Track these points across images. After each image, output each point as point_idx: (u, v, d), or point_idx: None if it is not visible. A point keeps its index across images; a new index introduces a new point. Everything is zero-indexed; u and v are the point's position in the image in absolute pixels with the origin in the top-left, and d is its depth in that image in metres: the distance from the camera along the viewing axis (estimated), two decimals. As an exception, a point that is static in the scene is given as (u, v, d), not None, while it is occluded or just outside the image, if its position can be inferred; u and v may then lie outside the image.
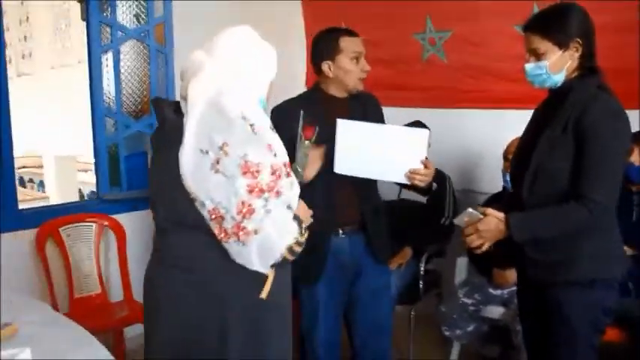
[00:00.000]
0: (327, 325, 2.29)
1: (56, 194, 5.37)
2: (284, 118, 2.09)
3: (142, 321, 2.69)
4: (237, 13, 3.57)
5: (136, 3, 3.24)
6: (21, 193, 6.24)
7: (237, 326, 1.56)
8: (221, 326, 1.55)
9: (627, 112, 2.57)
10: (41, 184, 6.30)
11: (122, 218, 3.08)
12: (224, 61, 1.54)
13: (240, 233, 1.44)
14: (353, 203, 2.22)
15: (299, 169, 1.93)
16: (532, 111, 1.99)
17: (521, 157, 1.91)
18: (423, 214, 3.01)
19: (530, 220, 1.79)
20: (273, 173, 1.45)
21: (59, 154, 5.51)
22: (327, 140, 2.05)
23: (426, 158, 2.04)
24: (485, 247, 1.83)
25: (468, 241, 1.83)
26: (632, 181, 2.61)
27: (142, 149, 3.31)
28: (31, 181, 6.67)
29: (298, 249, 1.52)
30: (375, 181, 2.37)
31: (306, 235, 1.56)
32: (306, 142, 1.93)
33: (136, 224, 3.18)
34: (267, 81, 1.61)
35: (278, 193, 1.46)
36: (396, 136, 2.09)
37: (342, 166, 2.08)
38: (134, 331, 2.94)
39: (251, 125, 1.45)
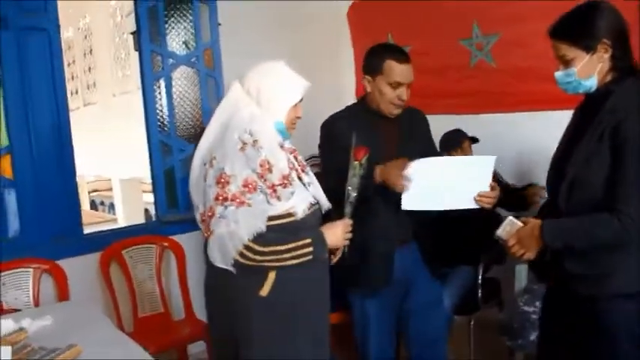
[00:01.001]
0: (379, 339, 2.30)
1: (123, 216, 5.61)
2: (334, 135, 2.18)
3: (204, 337, 2.82)
4: (284, 34, 3.68)
5: (185, 30, 3.35)
6: (93, 215, 6.60)
7: (240, 320, 1.76)
8: (230, 319, 1.79)
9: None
10: (112, 207, 6.61)
11: (181, 238, 3.18)
12: (248, 89, 1.77)
13: (208, 232, 1.70)
14: (403, 217, 2.20)
15: (350, 192, 1.93)
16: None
17: (557, 166, 1.83)
18: (477, 224, 2.95)
19: (561, 226, 1.73)
20: (245, 186, 1.66)
21: (125, 177, 5.75)
22: (370, 155, 2.04)
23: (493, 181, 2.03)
24: (528, 256, 1.77)
25: (513, 252, 1.79)
26: None
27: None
28: (102, 203, 7.01)
29: (254, 256, 1.66)
30: None
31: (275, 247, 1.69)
32: (356, 163, 1.92)
33: (195, 243, 3.27)
34: (286, 107, 1.78)
35: (242, 203, 1.65)
36: (463, 165, 2.09)
37: (410, 203, 2.04)
38: (197, 348, 3.04)
39: (243, 143, 1.68)
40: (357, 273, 2.18)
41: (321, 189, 1.91)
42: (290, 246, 1.70)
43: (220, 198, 1.64)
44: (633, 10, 2.60)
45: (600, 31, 1.68)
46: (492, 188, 2.03)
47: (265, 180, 1.69)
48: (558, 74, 1.76)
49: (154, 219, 4.44)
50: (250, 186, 1.66)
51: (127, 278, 2.96)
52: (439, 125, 2.33)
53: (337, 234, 1.82)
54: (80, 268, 2.88)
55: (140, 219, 5.13)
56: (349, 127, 2.07)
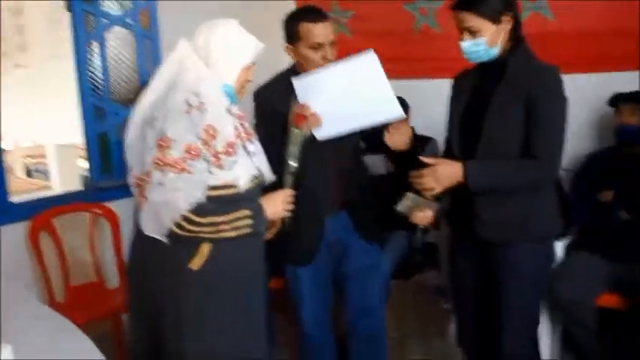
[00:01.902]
0: (313, 305, 2.29)
1: (59, 183, 5.41)
2: (269, 102, 2.12)
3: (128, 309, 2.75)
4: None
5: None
6: (27, 183, 6.33)
7: (168, 294, 1.68)
8: (155, 294, 1.70)
9: (627, 73, 2.63)
10: (48, 174, 6.36)
11: (116, 205, 3.06)
12: (197, 47, 1.67)
13: (142, 199, 1.60)
14: (338, 182, 2.20)
15: (290, 161, 1.88)
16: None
17: (466, 128, 1.94)
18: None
19: (488, 169, 1.85)
20: (187, 152, 1.55)
21: (60, 142, 5.54)
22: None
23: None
24: (436, 192, 1.87)
25: (422, 184, 1.87)
26: (624, 141, 2.58)
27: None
28: (38, 171, 6.74)
29: (191, 227, 1.57)
30: (360, 156, 2.34)
31: (248, 221, 1.65)
32: (297, 130, 1.87)
33: (131, 211, 3.17)
34: (237, 68, 1.69)
35: (182, 171, 1.55)
36: (347, 73, 1.97)
37: (321, 131, 1.98)
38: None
39: (189, 105, 1.57)
40: (287, 241, 2.15)
41: (265, 159, 1.83)
42: (228, 217, 1.63)
43: (160, 163, 1.54)
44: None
45: (503, 3, 1.85)
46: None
47: (209, 147, 1.59)
48: (466, 44, 1.87)
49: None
50: (193, 152, 1.56)
51: (57, 247, 2.84)
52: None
53: (277, 205, 1.78)
54: (8, 238, 2.73)
55: (76, 185, 4.95)
56: (285, 93, 2.03)
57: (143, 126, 1.63)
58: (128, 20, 3.20)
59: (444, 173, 1.84)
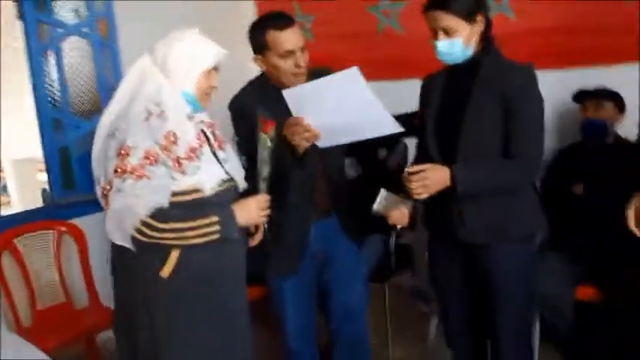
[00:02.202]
0: (298, 316, 2.24)
1: (18, 199, 5.21)
2: (241, 111, 2.05)
3: (112, 326, 2.67)
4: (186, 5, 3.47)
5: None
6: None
7: (140, 303, 1.67)
8: (130, 303, 1.71)
9: (627, 65, 2.68)
10: (5, 189, 6.13)
11: (81, 221, 2.96)
12: (155, 57, 1.68)
13: (105, 206, 1.62)
14: (324, 188, 2.15)
15: (261, 167, 1.83)
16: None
17: (442, 132, 1.93)
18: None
19: (474, 172, 1.84)
20: (145, 158, 1.57)
21: (17, 157, 5.34)
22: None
23: None
24: (424, 197, 1.85)
25: (411, 189, 1.84)
26: (589, 136, 2.62)
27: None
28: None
29: (153, 233, 1.57)
30: (342, 160, 2.31)
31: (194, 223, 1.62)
32: (264, 136, 1.82)
33: (97, 226, 3.07)
34: (194, 75, 1.68)
35: (141, 177, 1.56)
36: (333, 87, 1.85)
37: (322, 141, 1.90)
38: (106, 336, 2.87)
39: (149, 113, 1.60)
40: (271, 251, 2.10)
41: (240, 167, 1.83)
42: (195, 223, 1.61)
43: (119, 170, 1.56)
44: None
45: (476, 3, 1.84)
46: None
47: (170, 152, 1.60)
48: (443, 44, 1.84)
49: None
50: (152, 158, 1.57)
51: (21, 269, 2.73)
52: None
53: (250, 211, 1.74)
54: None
55: (37, 201, 4.79)
56: (255, 100, 1.97)
57: (106, 138, 1.64)
58: (85, 29, 3.10)
59: (432, 179, 1.82)
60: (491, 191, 1.86)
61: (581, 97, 2.67)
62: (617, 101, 2.62)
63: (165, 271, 1.64)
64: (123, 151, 1.56)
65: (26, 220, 2.91)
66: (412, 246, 3.13)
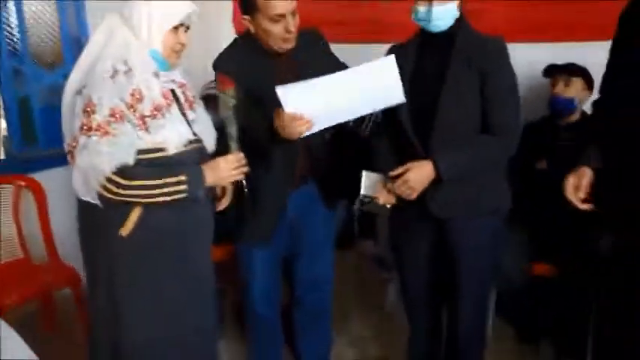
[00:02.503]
0: (265, 282, 2.24)
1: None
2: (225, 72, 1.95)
3: (71, 283, 2.64)
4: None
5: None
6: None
7: (102, 259, 1.71)
8: (92, 256, 1.76)
9: (597, 42, 2.46)
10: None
11: (42, 176, 2.89)
12: (123, 14, 1.68)
13: (72, 162, 1.63)
14: (305, 155, 2.11)
15: (227, 125, 1.82)
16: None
17: (416, 107, 1.88)
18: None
19: (457, 158, 1.83)
20: (111, 115, 1.57)
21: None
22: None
23: None
24: (414, 196, 1.85)
25: (405, 196, 1.85)
26: (558, 112, 2.64)
27: (58, 102, 3.10)
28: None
29: (118, 190, 1.59)
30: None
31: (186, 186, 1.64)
32: (223, 95, 1.81)
33: (59, 181, 3.01)
34: (160, 33, 1.67)
35: (106, 134, 1.57)
36: (359, 77, 1.82)
37: (313, 128, 1.85)
38: (65, 293, 2.84)
39: (115, 71, 1.60)
40: (244, 223, 2.08)
41: (210, 128, 1.83)
42: (160, 182, 1.62)
43: (85, 127, 1.57)
44: None
45: None
46: None
47: (135, 110, 1.61)
48: (438, 9, 1.80)
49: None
50: (117, 115, 1.58)
51: (-22, 223, 2.67)
52: (338, 55, 2.17)
53: (219, 170, 1.73)
54: None
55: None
56: (240, 61, 1.96)
57: (74, 95, 1.65)
58: None
59: (416, 179, 1.82)
60: (476, 172, 1.86)
61: (552, 71, 2.67)
62: (587, 78, 2.63)
63: (125, 229, 1.65)
64: (88, 108, 1.57)
65: (-16, 172, 2.82)
66: (375, 214, 3.15)
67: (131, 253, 1.69)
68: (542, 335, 2.57)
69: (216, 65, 2.03)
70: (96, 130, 1.56)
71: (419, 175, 1.82)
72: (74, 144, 1.60)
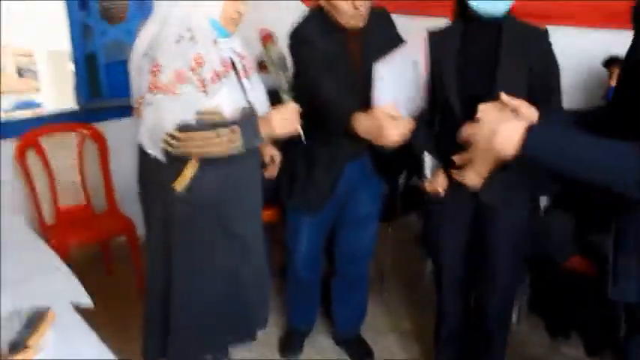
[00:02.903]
0: (310, 249, 2.34)
1: (49, 88, 5.29)
2: (304, 45, 2.03)
3: (127, 232, 2.82)
4: None
5: None
6: (18, 82, 6.20)
7: (158, 212, 1.81)
8: (150, 207, 1.86)
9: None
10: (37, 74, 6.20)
11: (105, 126, 3.06)
12: None
13: (138, 116, 1.74)
14: None
15: (281, 84, 1.86)
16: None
17: (467, 99, 1.83)
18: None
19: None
20: (176, 77, 1.66)
21: (50, 48, 5.36)
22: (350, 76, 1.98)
23: None
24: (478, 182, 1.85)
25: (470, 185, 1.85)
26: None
27: (123, 57, 3.22)
28: (30, 70, 6.58)
29: (177, 143, 1.67)
30: None
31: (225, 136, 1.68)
32: (266, 48, 1.89)
33: (120, 133, 3.16)
34: (220, 2, 1.72)
35: (172, 93, 1.66)
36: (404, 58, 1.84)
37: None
38: (120, 241, 3.02)
39: (180, 37, 1.68)
40: (297, 187, 2.16)
41: (264, 97, 1.88)
42: (214, 133, 1.68)
43: (151, 86, 1.67)
44: None
45: None
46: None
47: (196, 74, 1.68)
48: None
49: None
50: (181, 77, 1.66)
51: (45, 167, 2.86)
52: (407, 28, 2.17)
53: (274, 120, 1.74)
54: (-5, 156, 2.75)
55: (67, 95, 4.89)
56: (317, 32, 2.00)
57: (141, 57, 1.73)
58: None
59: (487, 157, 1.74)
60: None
61: (611, 63, 2.57)
62: None
63: (179, 184, 1.73)
64: (155, 69, 1.66)
65: (54, 120, 3.01)
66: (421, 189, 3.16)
67: (184, 208, 1.77)
68: (572, 329, 2.57)
69: (294, 35, 2.07)
70: (161, 88, 1.66)
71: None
72: (141, 100, 1.70)
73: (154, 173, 1.78)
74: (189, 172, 1.74)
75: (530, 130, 1.21)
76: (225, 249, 1.84)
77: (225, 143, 1.69)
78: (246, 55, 1.88)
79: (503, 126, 1.25)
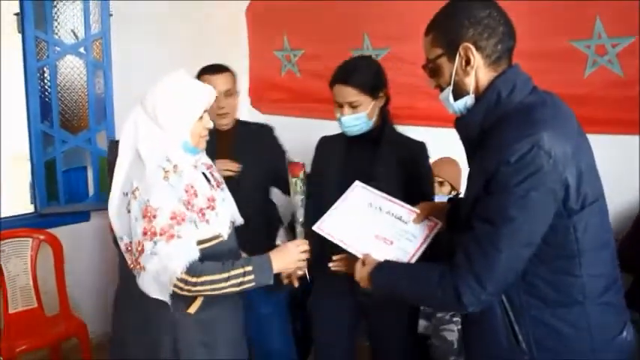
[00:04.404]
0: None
1: (8, 198, 5.31)
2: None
3: (78, 334, 2.81)
4: (178, 29, 3.65)
5: (74, 18, 3.21)
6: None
7: (166, 342, 1.75)
8: (153, 343, 1.76)
9: (628, 137, 2.62)
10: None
11: (61, 231, 3.13)
12: (146, 109, 1.69)
13: (138, 267, 1.65)
14: None
15: (296, 211, 1.88)
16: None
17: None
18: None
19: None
20: (172, 218, 1.62)
21: (11, 153, 5.45)
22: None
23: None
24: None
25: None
26: None
27: (81, 163, 3.37)
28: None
29: (189, 287, 1.63)
30: None
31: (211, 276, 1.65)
32: (293, 179, 1.88)
33: (75, 238, 3.26)
34: (188, 125, 1.70)
35: (171, 237, 1.61)
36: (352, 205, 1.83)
37: (326, 226, 1.79)
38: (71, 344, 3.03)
39: (165, 171, 1.64)
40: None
41: (234, 205, 1.89)
42: (226, 275, 1.66)
43: (148, 233, 1.60)
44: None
45: (381, 81, 2.05)
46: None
47: (192, 206, 1.67)
48: (347, 118, 2.01)
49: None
50: (179, 217, 1.63)
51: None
52: (329, 131, 2.31)
53: (290, 255, 1.77)
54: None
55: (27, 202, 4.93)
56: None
57: (123, 196, 1.69)
58: (81, 50, 3.23)
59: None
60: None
61: None
62: None
63: (193, 308, 1.73)
64: (149, 213, 1.60)
65: (9, 225, 3.06)
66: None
67: (194, 328, 1.76)
68: None
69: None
70: (160, 235, 1.59)
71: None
72: (139, 249, 1.61)
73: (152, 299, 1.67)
74: (200, 299, 1.73)
75: (373, 271, 1.57)
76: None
77: (238, 284, 1.66)
78: (212, 164, 1.88)
79: (357, 269, 1.63)
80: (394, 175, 2.00)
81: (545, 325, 1.36)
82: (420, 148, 2.09)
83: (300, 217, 1.87)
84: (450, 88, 1.43)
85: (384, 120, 2.07)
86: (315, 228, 1.79)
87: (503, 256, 1.28)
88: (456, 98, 1.44)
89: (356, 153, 2.09)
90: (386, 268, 1.56)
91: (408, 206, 1.76)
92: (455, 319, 2.56)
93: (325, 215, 1.81)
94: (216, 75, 2.39)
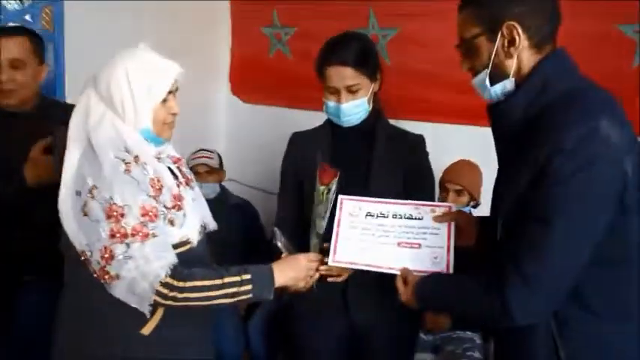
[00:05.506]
0: None
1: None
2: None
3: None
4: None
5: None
6: None
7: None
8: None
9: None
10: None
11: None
12: (99, 90, 1.51)
13: (106, 277, 1.43)
14: None
15: (316, 222, 1.71)
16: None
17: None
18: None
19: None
20: (144, 215, 1.43)
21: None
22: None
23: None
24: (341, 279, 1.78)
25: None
26: None
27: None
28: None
29: (173, 293, 1.43)
30: None
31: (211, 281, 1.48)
32: (322, 187, 1.71)
33: None
34: (147, 110, 1.51)
35: (146, 236, 1.42)
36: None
37: (341, 256, 1.65)
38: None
39: (126, 163, 1.45)
40: None
41: (207, 206, 1.69)
42: (220, 281, 1.48)
43: (117, 235, 1.41)
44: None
45: (378, 61, 1.98)
46: None
47: (159, 202, 1.48)
48: (347, 105, 1.87)
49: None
50: (151, 213, 1.45)
51: None
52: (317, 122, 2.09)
53: (299, 270, 1.62)
54: None
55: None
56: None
57: (75, 196, 1.47)
58: (27, 18, 2.80)
59: None
60: None
61: None
62: None
63: (147, 329, 1.50)
64: (115, 212, 1.41)
65: None
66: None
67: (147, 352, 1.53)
68: None
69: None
70: (132, 235, 1.41)
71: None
72: (106, 256, 1.41)
73: (108, 316, 1.49)
74: (158, 316, 1.49)
75: (417, 289, 1.46)
76: None
77: (232, 294, 1.48)
78: (181, 158, 1.68)
79: (400, 290, 1.50)
80: (393, 174, 1.89)
81: (592, 341, 1.26)
82: (419, 141, 1.98)
83: (321, 229, 1.71)
84: (488, 70, 1.32)
85: (377, 109, 1.94)
86: (331, 264, 1.65)
87: (558, 258, 1.18)
88: (492, 82, 1.33)
89: (346, 150, 1.91)
90: (429, 283, 1.47)
91: (408, 202, 1.68)
92: (468, 353, 2.46)
93: (331, 247, 1.66)
94: (6, 38, 2.01)
